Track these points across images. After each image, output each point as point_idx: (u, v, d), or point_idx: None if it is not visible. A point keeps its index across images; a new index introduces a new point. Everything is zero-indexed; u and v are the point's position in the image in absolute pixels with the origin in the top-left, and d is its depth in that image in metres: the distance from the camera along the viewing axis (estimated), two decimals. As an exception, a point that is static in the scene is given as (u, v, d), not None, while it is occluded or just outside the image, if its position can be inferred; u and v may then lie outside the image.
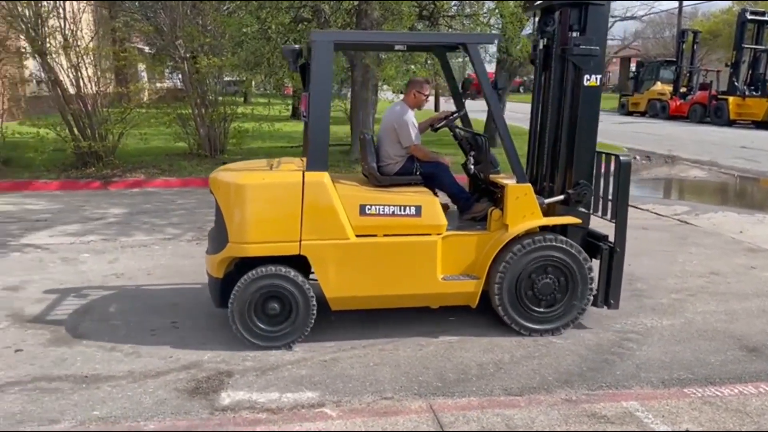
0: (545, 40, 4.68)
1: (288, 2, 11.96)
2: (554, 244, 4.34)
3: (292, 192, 4.08)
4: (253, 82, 18.64)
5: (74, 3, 10.98)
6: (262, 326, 4.15)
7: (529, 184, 4.39)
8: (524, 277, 4.34)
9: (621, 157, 4.46)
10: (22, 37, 10.95)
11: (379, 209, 4.22)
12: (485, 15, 13.84)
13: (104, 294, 5.28)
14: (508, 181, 4.42)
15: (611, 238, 4.52)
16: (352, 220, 4.18)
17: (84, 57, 10.73)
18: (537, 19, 4.82)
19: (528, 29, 12.62)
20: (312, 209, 4.09)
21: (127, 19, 13.77)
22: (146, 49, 16.35)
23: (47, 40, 10.47)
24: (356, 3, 12.06)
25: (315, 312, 4.20)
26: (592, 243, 4.59)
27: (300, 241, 4.09)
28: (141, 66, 14.88)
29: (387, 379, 3.78)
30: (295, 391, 3.63)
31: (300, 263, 4.18)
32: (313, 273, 4.25)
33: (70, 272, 5.84)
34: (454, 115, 4.95)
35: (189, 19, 11.83)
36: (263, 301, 4.13)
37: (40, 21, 10.37)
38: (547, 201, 4.57)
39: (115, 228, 7.60)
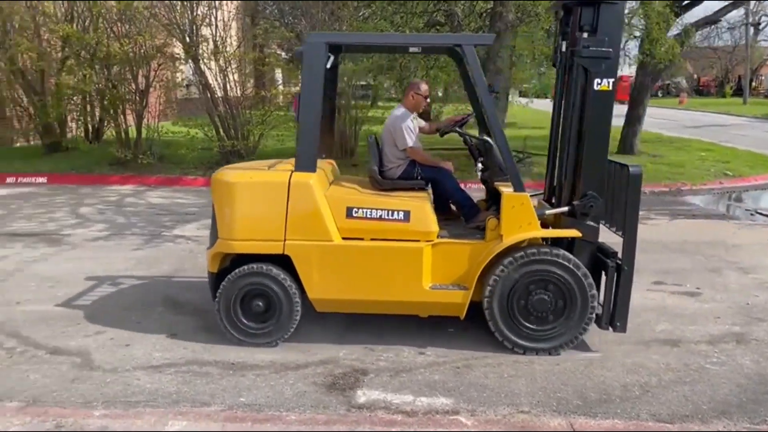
0: (567, 42, 4.35)
1: (422, 5, 12.07)
2: (551, 258, 4.04)
3: (278, 191, 4.12)
4: (384, 85, 19.01)
5: (224, 11, 11.77)
6: (246, 323, 4.24)
7: (527, 194, 4.13)
8: (517, 291, 4.09)
9: (631, 168, 4.06)
10: (177, 43, 11.90)
11: (366, 212, 4.17)
12: (627, 15, 13.15)
13: (246, 286, 5.57)
14: (507, 189, 4.19)
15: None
16: (338, 222, 4.16)
17: (231, 62, 11.47)
18: (559, 19, 4.51)
19: (676, 30, 11.84)
20: (297, 210, 4.11)
21: (267, 26, 14.54)
22: (282, 54, 17.19)
23: (200, 46, 11.31)
24: (490, 5, 11.93)
25: (299, 311, 4.21)
26: (601, 259, 4.21)
27: (284, 240, 4.11)
28: (278, 71, 15.65)
29: (523, 392, 3.67)
30: (429, 396, 3.62)
31: (293, 264, 4.18)
32: None
33: (216, 263, 6.23)
34: (463, 120, 4.76)
35: (327, 25, 12.28)
36: (249, 299, 4.21)
37: (194, 28, 11.22)
38: (548, 212, 4.28)
39: (254, 223, 8.01)
